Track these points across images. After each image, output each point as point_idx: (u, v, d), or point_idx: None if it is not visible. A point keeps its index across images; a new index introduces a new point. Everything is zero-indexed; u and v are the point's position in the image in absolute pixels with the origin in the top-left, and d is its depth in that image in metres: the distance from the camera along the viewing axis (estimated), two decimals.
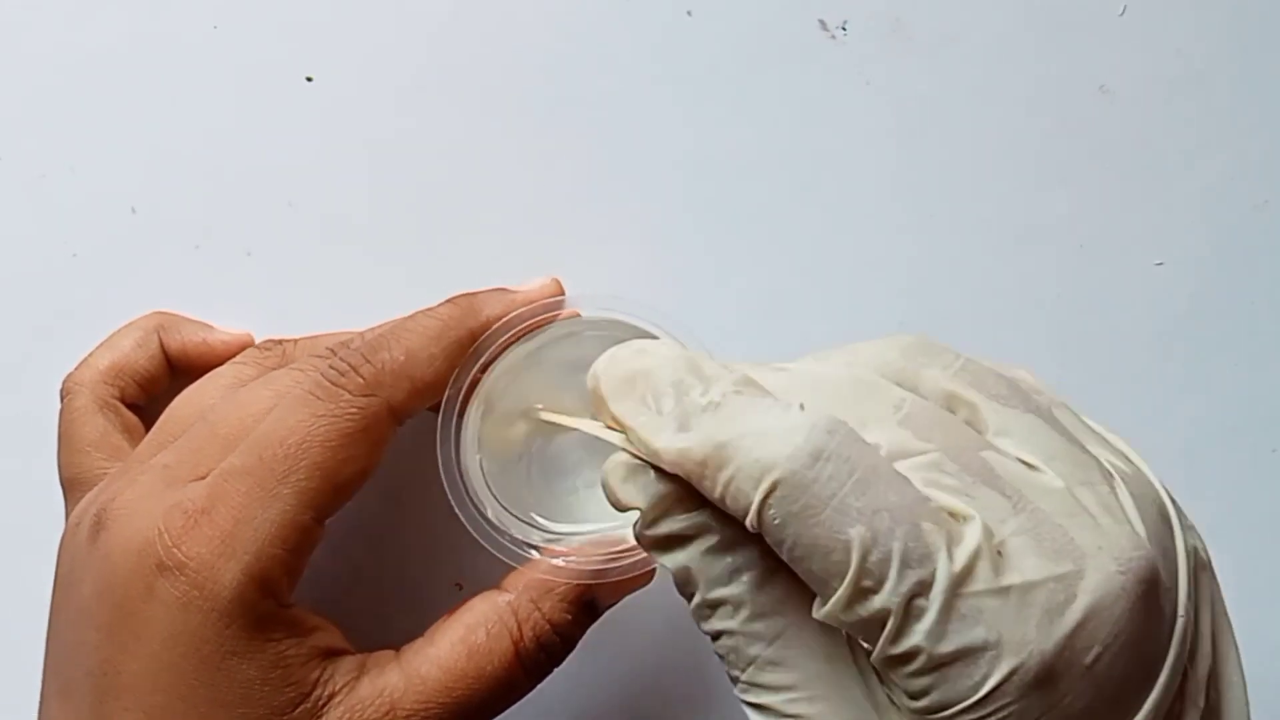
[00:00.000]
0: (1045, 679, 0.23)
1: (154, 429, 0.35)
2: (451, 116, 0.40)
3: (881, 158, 0.41)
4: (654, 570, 0.34)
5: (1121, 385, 0.41)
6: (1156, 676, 0.24)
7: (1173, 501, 0.27)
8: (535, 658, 0.33)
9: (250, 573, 0.31)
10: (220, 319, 0.40)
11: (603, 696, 0.40)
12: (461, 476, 0.34)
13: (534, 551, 0.33)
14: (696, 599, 0.26)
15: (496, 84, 0.41)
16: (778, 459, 0.24)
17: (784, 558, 0.25)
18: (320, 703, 0.31)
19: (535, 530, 0.34)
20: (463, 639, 0.33)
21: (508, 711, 0.33)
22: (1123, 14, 0.42)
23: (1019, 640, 0.23)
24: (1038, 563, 0.24)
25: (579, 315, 0.35)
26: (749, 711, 0.26)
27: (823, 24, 0.41)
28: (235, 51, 0.40)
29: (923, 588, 0.24)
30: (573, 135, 0.41)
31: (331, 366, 0.33)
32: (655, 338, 0.34)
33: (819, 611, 0.25)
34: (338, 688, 0.32)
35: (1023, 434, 0.26)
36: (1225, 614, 0.27)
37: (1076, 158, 0.41)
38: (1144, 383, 0.42)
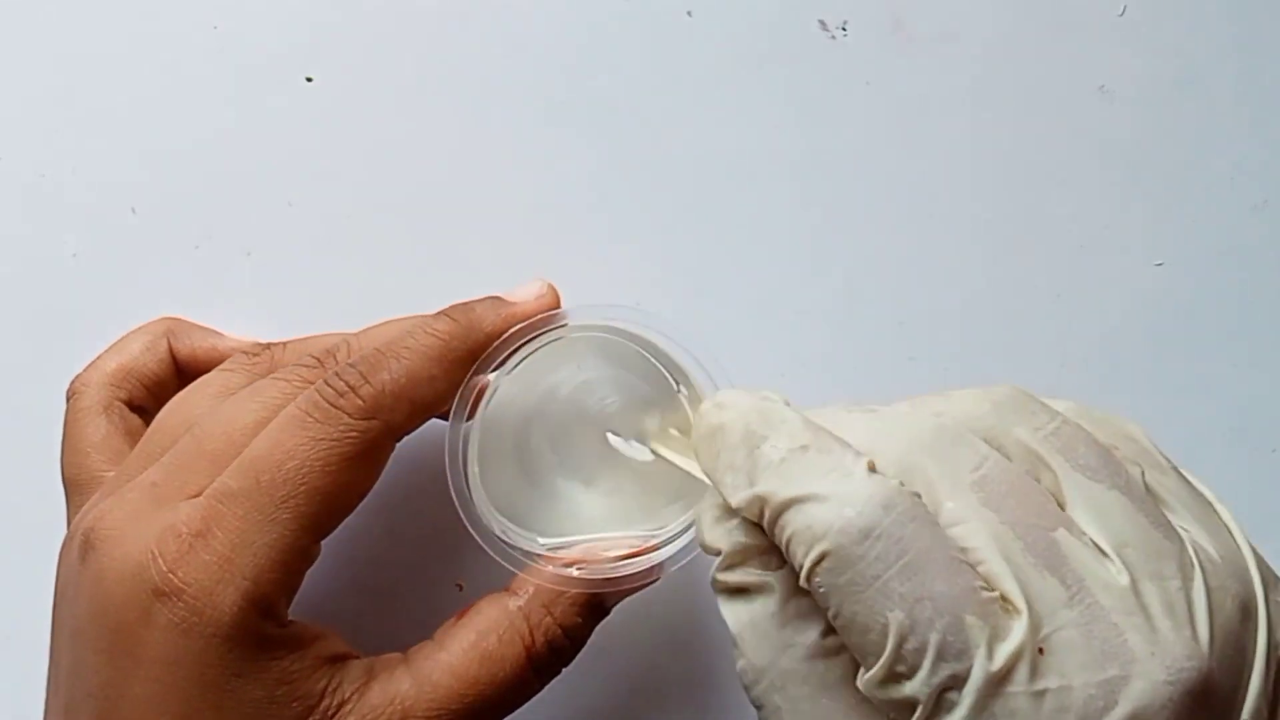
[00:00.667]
0: None
1: (142, 440, 0.35)
2: (451, 116, 0.40)
3: (881, 158, 0.41)
4: (661, 569, 0.34)
5: (1121, 385, 0.41)
6: None
7: (1264, 589, 0.25)
8: (547, 661, 0.33)
9: (250, 597, 0.30)
10: (220, 319, 0.40)
11: (603, 694, 0.40)
12: (469, 487, 0.34)
13: (542, 560, 0.33)
14: (742, 663, 0.27)
15: (496, 84, 0.41)
16: (828, 530, 0.24)
17: (831, 621, 0.25)
18: (330, 712, 0.31)
19: (541, 539, 0.34)
20: (474, 645, 0.32)
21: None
22: (1123, 14, 0.42)
23: None
24: (1082, 664, 0.23)
25: (581, 323, 0.35)
26: None
27: (823, 24, 0.41)
28: (235, 51, 0.40)
29: (956, 682, 0.23)
30: (573, 135, 0.41)
31: (329, 384, 0.32)
32: (652, 342, 0.34)
33: (859, 680, 0.25)
34: (347, 695, 0.31)
35: (1103, 512, 0.25)
36: None
37: (1076, 158, 0.41)
38: (1144, 383, 0.42)
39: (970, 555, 0.24)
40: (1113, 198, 0.42)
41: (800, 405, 0.28)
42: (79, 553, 0.32)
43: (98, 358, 0.37)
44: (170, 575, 0.30)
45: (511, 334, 0.34)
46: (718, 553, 0.27)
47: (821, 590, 0.25)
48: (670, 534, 0.34)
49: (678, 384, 0.34)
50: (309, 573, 0.32)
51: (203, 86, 0.40)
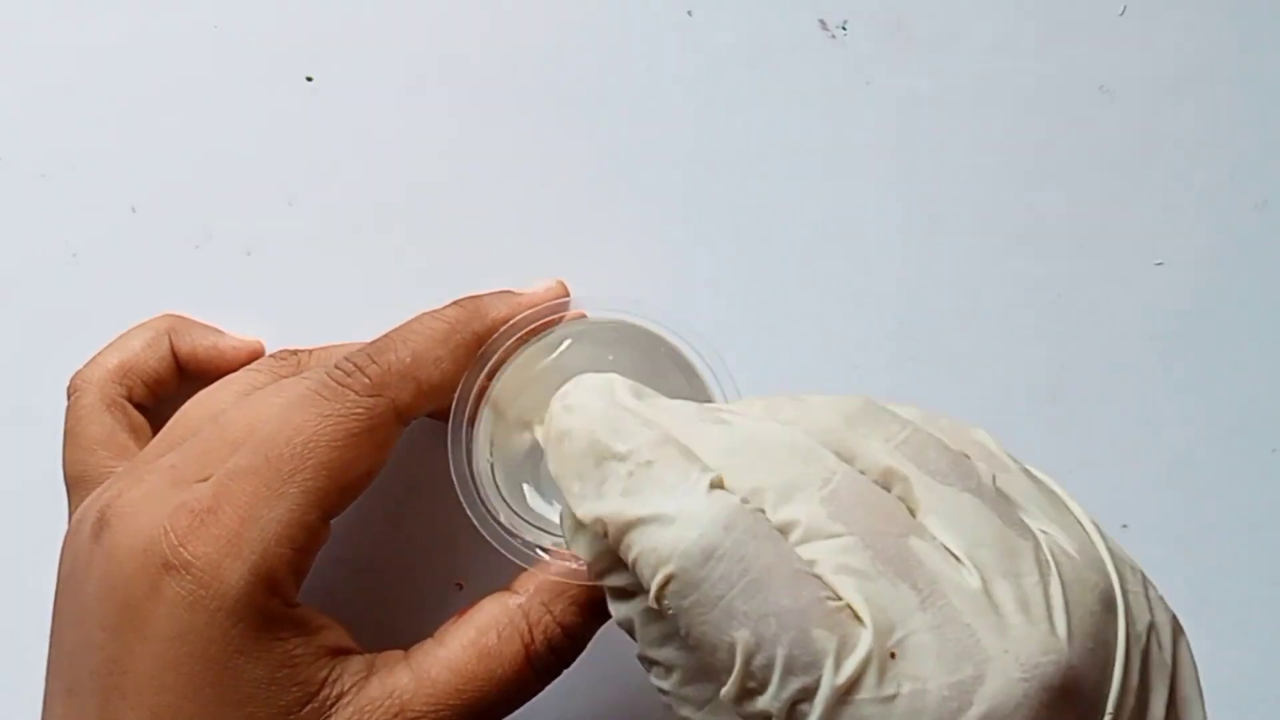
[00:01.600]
0: None
1: (163, 431, 0.35)
2: (451, 117, 0.40)
3: (881, 158, 0.41)
4: None
5: (1121, 385, 0.41)
6: None
7: (1120, 581, 0.25)
8: (546, 660, 0.33)
9: (257, 572, 0.30)
10: (220, 319, 0.40)
11: (601, 697, 0.40)
12: (473, 480, 0.34)
13: (546, 555, 0.33)
14: (638, 651, 0.27)
15: (496, 84, 0.41)
16: (672, 554, 0.25)
17: (683, 639, 0.25)
18: (329, 702, 0.31)
19: (546, 534, 0.34)
20: (473, 641, 0.33)
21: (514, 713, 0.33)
22: (1123, 14, 0.42)
23: None
24: (935, 666, 0.23)
25: (585, 316, 0.35)
26: None
27: (823, 24, 0.41)
28: (235, 51, 0.40)
29: (806, 694, 0.23)
30: (573, 135, 0.41)
31: (338, 367, 0.33)
32: (662, 338, 0.34)
33: (721, 694, 0.25)
34: (346, 687, 0.31)
35: (953, 516, 0.25)
36: (1196, 689, 0.26)
37: (1076, 158, 0.41)
38: (1144, 383, 0.42)
39: (817, 568, 0.24)
40: (1113, 198, 0.42)
41: (654, 398, 0.28)
42: (92, 531, 0.32)
43: (99, 354, 0.38)
44: (180, 549, 0.30)
45: (517, 321, 0.34)
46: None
47: (670, 612, 0.25)
48: None
49: (688, 382, 0.34)
50: (309, 573, 0.33)
51: (203, 86, 0.40)
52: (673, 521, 0.25)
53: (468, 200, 0.40)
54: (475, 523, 0.33)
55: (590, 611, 0.33)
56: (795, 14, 0.41)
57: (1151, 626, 0.26)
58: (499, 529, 0.33)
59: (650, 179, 0.41)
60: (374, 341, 0.34)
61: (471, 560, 0.39)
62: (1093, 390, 0.41)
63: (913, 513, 0.26)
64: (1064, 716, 0.23)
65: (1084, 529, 0.26)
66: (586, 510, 0.27)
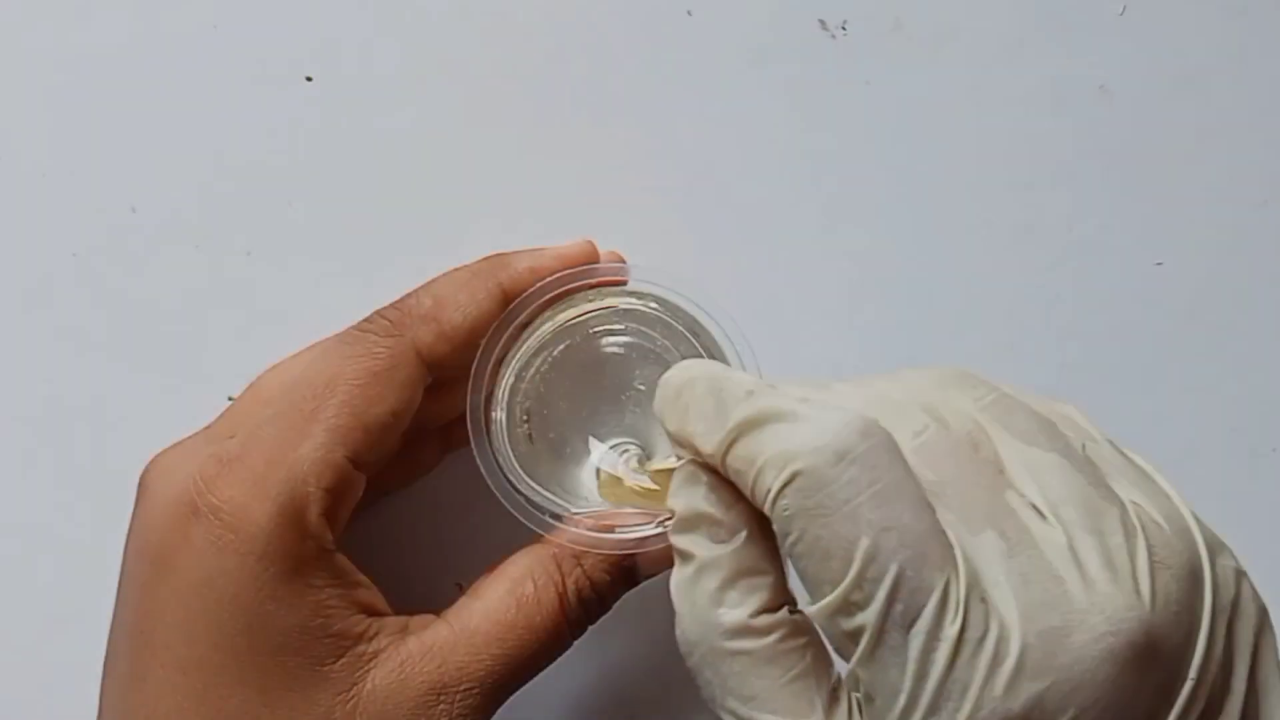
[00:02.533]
0: None
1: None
2: (451, 117, 0.40)
3: (881, 158, 0.41)
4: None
5: (1121, 385, 0.41)
6: None
7: (1209, 555, 0.25)
8: (575, 612, 0.33)
9: (285, 512, 0.30)
10: (220, 319, 0.40)
11: (608, 687, 0.40)
12: (493, 452, 0.33)
13: (569, 522, 0.33)
14: (679, 633, 0.27)
15: (496, 84, 0.41)
16: (802, 450, 0.24)
17: (784, 552, 0.25)
18: (365, 658, 0.31)
19: (568, 504, 0.34)
20: (510, 591, 0.32)
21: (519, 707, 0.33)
22: (1123, 14, 0.42)
23: (985, 695, 0.23)
24: (1022, 614, 0.23)
25: (609, 284, 0.35)
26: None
27: (823, 24, 0.41)
28: (235, 51, 0.40)
29: (904, 620, 0.23)
30: (572, 135, 0.41)
31: (365, 319, 0.33)
32: (691, 316, 0.34)
33: (809, 609, 0.25)
34: (383, 645, 0.31)
35: (1040, 474, 0.26)
36: (1276, 674, 0.26)
37: (1076, 158, 0.41)
38: (1144, 383, 0.42)
39: None
40: (1113, 198, 0.42)
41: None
42: (136, 497, 0.32)
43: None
44: (207, 495, 0.30)
45: (542, 285, 0.34)
46: (673, 515, 0.28)
47: (787, 513, 0.25)
48: None
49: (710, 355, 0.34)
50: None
51: (203, 86, 0.40)
52: (806, 420, 0.25)
53: (466, 200, 0.40)
54: (497, 494, 0.33)
55: (619, 572, 0.33)
56: (795, 14, 0.41)
57: (1236, 602, 0.25)
58: (523, 501, 0.33)
59: (650, 179, 0.41)
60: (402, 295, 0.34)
61: (471, 561, 0.39)
62: (1093, 390, 0.41)
63: (999, 472, 0.26)
64: (1148, 677, 0.23)
65: (1172, 501, 0.26)
66: (713, 440, 0.26)
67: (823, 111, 0.41)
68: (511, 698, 0.33)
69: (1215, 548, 0.26)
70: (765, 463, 0.25)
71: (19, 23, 0.40)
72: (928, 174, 0.41)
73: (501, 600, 0.32)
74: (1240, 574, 0.26)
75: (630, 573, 0.34)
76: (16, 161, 0.40)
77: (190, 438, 0.34)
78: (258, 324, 0.40)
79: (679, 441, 0.28)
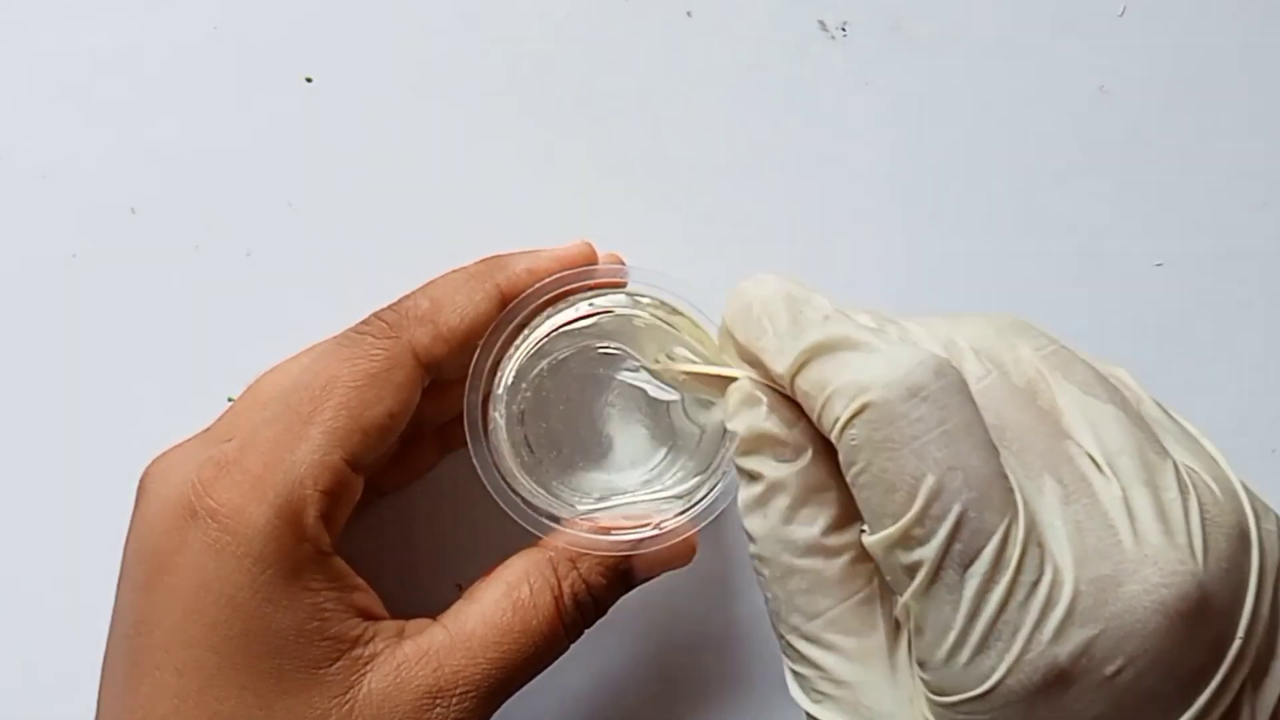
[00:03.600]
0: (1055, 682, 0.23)
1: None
2: (450, 117, 0.40)
3: (881, 158, 0.41)
4: (694, 550, 0.34)
5: None
6: (1195, 698, 0.23)
7: (1256, 518, 0.25)
8: (571, 615, 0.33)
9: (282, 514, 0.30)
10: (220, 319, 0.40)
11: (604, 691, 0.40)
12: (490, 453, 0.33)
13: (566, 525, 0.33)
14: (752, 549, 0.27)
15: (496, 85, 0.41)
16: (874, 383, 0.24)
17: (848, 480, 0.25)
18: (361, 661, 0.31)
19: (565, 506, 0.34)
20: (506, 595, 0.32)
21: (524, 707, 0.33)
22: (1123, 14, 0.42)
23: (1036, 638, 0.23)
24: (1076, 560, 0.24)
25: (607, 286, 0.35)
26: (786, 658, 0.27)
27: (823, 24, 0.41)
28: (235, 51, 0.40)
29: (963, 559, 0.24)
30: (572, 136, 0.41)
31: (363, 322, 0.33)
32: (682, 314, 0.34)
33: (867, 539, 0.25)
34: (379, 649, 0.31)
35: (1098, 424, 0.26)
36: None
37: (1076, 158, 0.41)
38: (1144, 383, 0.42)
39: None
40: (1113, 198, 0.42)
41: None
42: (135, 500, 0.33)
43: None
44: (205, 497, 0.30)
45: (539, 287, 0.34)
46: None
47: (854, 443, 0.25)
48: (696, 511, 0.33)
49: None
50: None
51: (203, 86, 0.40)
52: (879, 351, 0.25)
53: (465, 201, 0.40)
54: (493, 494, 0.33)
55: (614, 575, 0.33)
56: (795, 14, 0.41)
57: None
58: (519, 501, 0.33)
59: (649, 179, 0.41)
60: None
61: (470, 561, 0.39)
62: None
63: (1056, 420, 0.26)
64: (1198, 632, 0.23)
65: (1219, 464, 0.26)
66: (784, 360, 0.26)
67: (823, 112, 0.41)
68: (508, 701, 0.33)
69: (1261, 511, 0.26)
70: (836, 390, 0.25)
71: (19, 23, 0.40)
72: (928, 174, 0.41)
73: (497, 604, 0.32)
74: None
75: (626, 575, 0.34)
76: (16, 161, 0.40)
77: (189, 440, 0.34)
78: (258, 324, 0.40)
79: (744, 355, 0.28)
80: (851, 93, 0.41)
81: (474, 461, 0.33)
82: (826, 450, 0.27)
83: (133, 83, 0.40)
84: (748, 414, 0.28)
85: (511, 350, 0.34)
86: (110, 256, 0.40)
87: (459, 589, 0.39)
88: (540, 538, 0.33)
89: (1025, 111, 0.41)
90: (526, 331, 0.34)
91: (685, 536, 0.33)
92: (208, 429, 0.34)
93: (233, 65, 0.40)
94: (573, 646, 0.34)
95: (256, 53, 0.40)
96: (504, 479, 0.33)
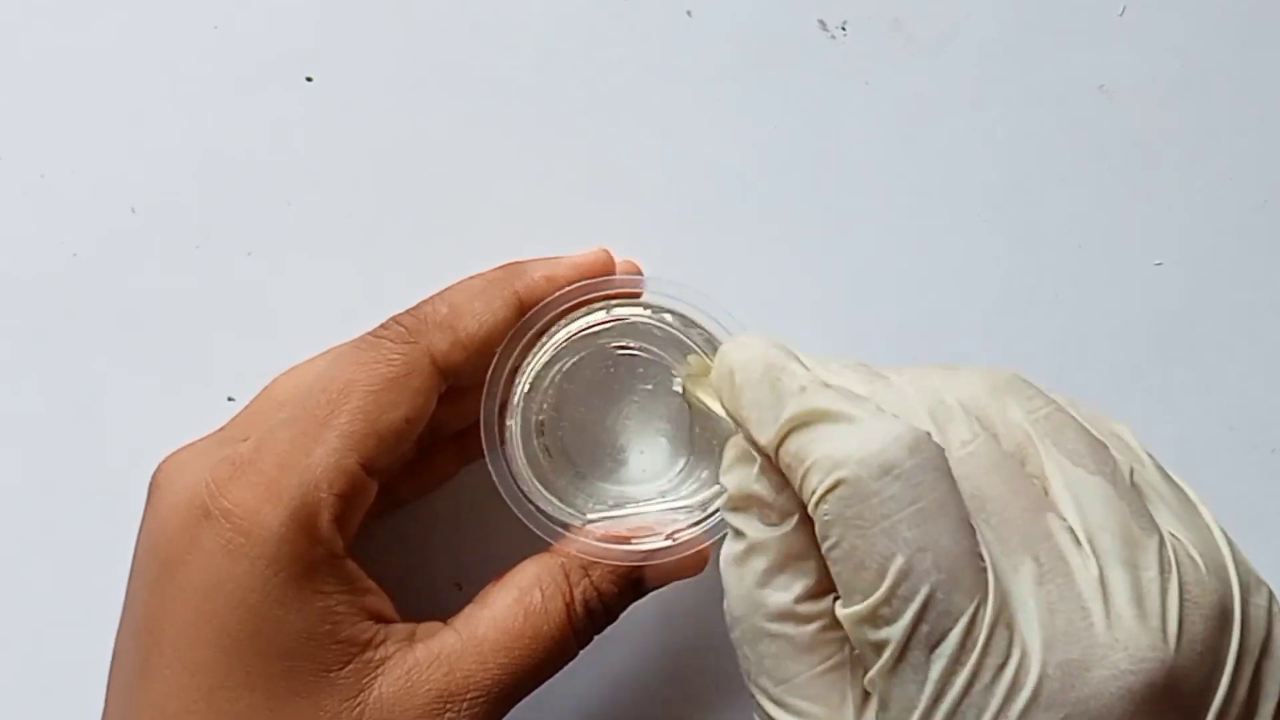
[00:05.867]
0: None
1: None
2: (450, 117, 0.40)
3: (881, 158, 0.41)
4: (706, 560, 0.34)
5: (1121, 385, 0.41)
6: None
7: (1242, 592, 0.25)
8: (582, 622, 0.33)
9: (296, 517, 0.30)
10: (220, 319, 0.40)
11: (614, 697, 0.40)
12: (507, 460, 0.33)
13: (577, 533, 0.33)
14: (726, 605, 0.27)
15: (496, 84, 0.41)
16: (848, 459, 0.24)
17: (823, 552, 0.25)
18: (373, 665, 0.31)
19: (579, 514, 0.34)
20: (517, 600, 0.32)
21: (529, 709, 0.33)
22: (1123, 14, 0.42)
23: None
24: (1045, 643, 0.23)
25: (626, 296, 0.35)
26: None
27: (823, 24, 0.41)
28: (235, 51, 0.40)
29: (931, 639, 0.23)
30: (572, 136, 0.41)
31: (381, 326, 0.33)
32: (701, 327, 0.34)
33: (839, 611, 0.25)
34: (390, 652, 0.31)
35: (1082, 496, 0.25)
36: None
37: (1076, 158, 0.41)
38: (1144, 383, 0.42)
39: None
40: (1113, 198, 0.42)
41: (806, 357, 0.28)
42: (147, 497, 0.32)
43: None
44: (219, 498, 0.30)
45: (556, 297, 0.34)
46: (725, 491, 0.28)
47: (826, 518, 0.25)
48: (711, 523, 0.33)
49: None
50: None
51: (203, 86, 0.40)
52: (858, 423, 0.25)
53: (465, 200, 0.40)
54: (509, 502, 0.33)
55: (625, 583, 0.33)
56: (795, 14, 0.41)
57: (1267, 643, 0.25)
58: (533, 510, 0.33)
59: (649, 179, 0.41)
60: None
61: (471, 561, 0.39)
62: (1093, 390, 0.41)
63: (1044, 491, 0.26)
64: (1164, 717, 0.23)
65: (1213, 535, 0.26)
66: (766, 431, 0.26)
67: (823, 112, 0.41)
68: (517, 706, 0.33)
69: (1251, 585, 0.26)
70: (813, 464, 0.25)
71: (19, 23, 0.40)
72: (927, 174, 0.41)
73: (509, 609, 0.32)
74: (1275, 614, 0.26)
75: (637, 584, 0.34)
76: (16, 161, 0.40)
77: (203, 439, 0.34)
78: (258, 324, 0.40)
79: (732, 419, 0.28)
80: (851, 93, 0.41)
81: (489, 469, 0.33)
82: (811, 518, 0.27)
83: (133, 82, 0.40)
84: (739, 471, 0.28)
85: (529, 357, 0.34)
86: (110, 256, 0.40)
87: (458, 588, 0.39)
88: (553, 545, 0.33)
89: (1025, 111, 0.41)
90: (544, 339, 0.34)
91: (699, 549, 0.33)
92: (221, 428, 0.34)
93: (233, 65, 0.40)
94: (582, 652, 0.34)
95: (256, 52, 0.40)
96: (519, 486, 0.33)
